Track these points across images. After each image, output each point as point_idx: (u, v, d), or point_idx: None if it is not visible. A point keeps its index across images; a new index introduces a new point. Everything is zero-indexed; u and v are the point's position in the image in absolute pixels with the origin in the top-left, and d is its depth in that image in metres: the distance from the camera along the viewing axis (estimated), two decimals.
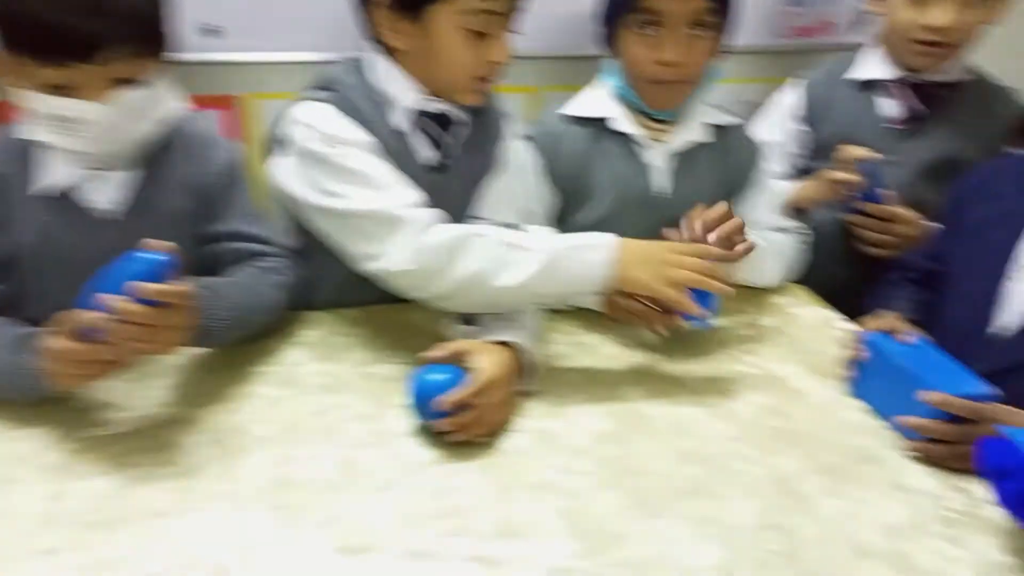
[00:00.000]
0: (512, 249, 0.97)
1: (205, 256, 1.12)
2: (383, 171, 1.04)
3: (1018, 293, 1.01)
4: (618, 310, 1.06)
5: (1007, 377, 0.96)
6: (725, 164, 1.32)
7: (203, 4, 1.39)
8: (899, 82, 1.44)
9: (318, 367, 1.06)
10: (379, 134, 1.07)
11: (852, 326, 1.15)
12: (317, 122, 1.05)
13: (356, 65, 1.11)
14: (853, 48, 1.54)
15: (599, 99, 1.30)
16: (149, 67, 0.98)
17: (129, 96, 0.96)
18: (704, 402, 1.03)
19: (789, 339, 1.19)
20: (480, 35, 1.05)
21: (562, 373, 1.07)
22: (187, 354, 1.05)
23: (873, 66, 1.47)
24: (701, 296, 0.98)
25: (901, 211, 1.34)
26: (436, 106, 1.11)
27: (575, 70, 1.55)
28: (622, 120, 1.28)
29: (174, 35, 1.02)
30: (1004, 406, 0.90)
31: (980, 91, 1.44)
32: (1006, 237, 1.04)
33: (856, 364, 1.03)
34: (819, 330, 1.22)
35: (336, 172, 1.03)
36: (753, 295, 1.32)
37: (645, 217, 1.23)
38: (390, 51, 1.09)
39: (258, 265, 1.09)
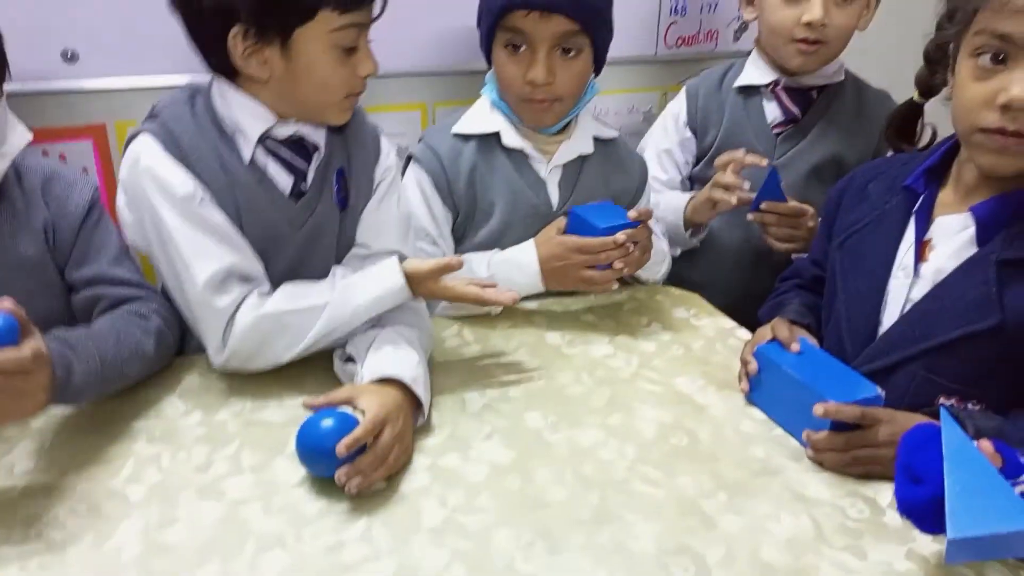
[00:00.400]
0: (298, 314, 1.01)
1: (75, 305, 1.04)
2: (191, 236, 0.98)
3: (898, 290, 1.03)
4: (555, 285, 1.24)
5: (893, 372, 0.99)
6: (610, 176, 1.33)
7: (62, 29, 1.30)
8: (778, 86, 1.47)
9: (198, 417, 0.99)
10: (219, 167, 1.00)
11: (749, 335, 1.16)
12: (142, 161, 0.98)
13: (194, 93, 1.04)
14: (742, 55, 1.56)
15: (486, 114, 1.29)
16: None
17: None
18: (605, 423, 1.01)
19: (689, 352, 1.19)
20: (349, 51, 1.01)
21: (459, 404, 1.04)
22: (54, 414, 0.97)
23: (753, 72, 1.49)
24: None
25: (805, 206, 1.36)
26: (288, 131, 1.05)
27: (466, 85, 1.53)
28: (512, 135, 1.26)
29: (6, 62, 0.95)
30: (893, 410, 0.91)
31: (856, 94, 1.48)
32: (883, 238, 1.06)
33: (753, 375, 1.03)
34: (719, 341, 1.22)
35: (152, 230, 0.99)
36: (652, 308, 1.31)
37: (537, 229, 1.26)
38: (235, 77, 1.02)
39: (127, 310, 1.02)
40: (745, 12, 1.49)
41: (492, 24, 1.19)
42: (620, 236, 1.17)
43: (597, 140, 1.32)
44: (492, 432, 0.98)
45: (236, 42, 0.96)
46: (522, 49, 1.19)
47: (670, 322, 1.28)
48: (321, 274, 1.08)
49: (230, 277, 0.99)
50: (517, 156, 1.28)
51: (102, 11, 1.30)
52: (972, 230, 0.97)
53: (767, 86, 1.47)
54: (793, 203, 1.35)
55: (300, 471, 0.89)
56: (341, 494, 0.85)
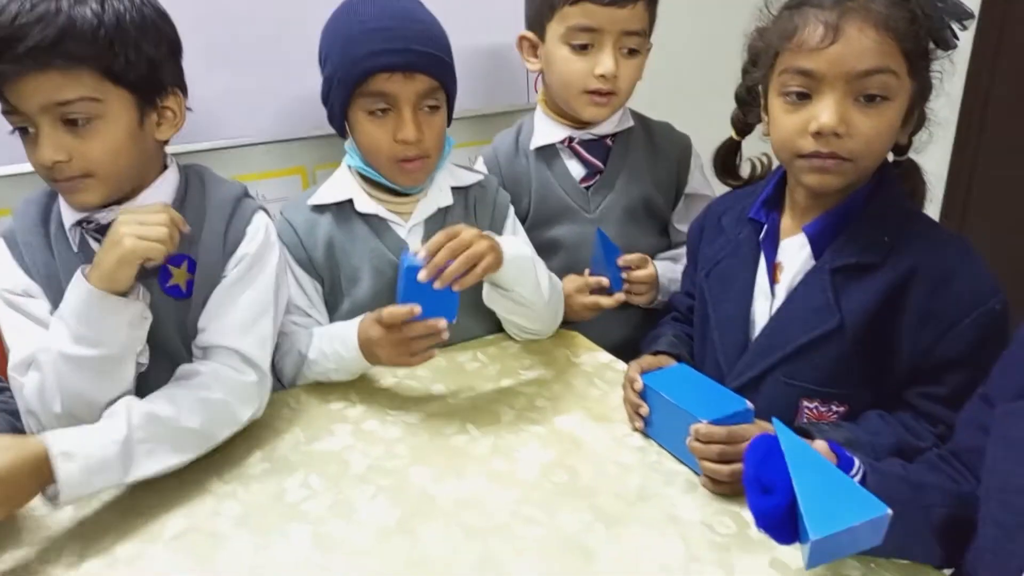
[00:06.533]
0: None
1: None
2: (11, 322, 1.05)
3: (761, 311, 1.11)
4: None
5: (761, 382, 1.07)
6: (472, 223, 1.33)
7: None
8: (573, 142, 1.47)
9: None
10: (50, 257, 1.06)
11: (625, 367, 1.21)
12: None
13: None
14: (527, 111, 1.57)
15: (342, 183, 1.30)
16: None
17: None
18: (488, 469, 1.03)
19: (570, 388, 1.23)
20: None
21: (343, 467, 1.05)
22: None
23: (545, 130, 1.48)
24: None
25: (643, 255, 1.41)
26: (110, 216, 1.03)
27: (343, 145, 1.55)
28: (365, 200, 1.28)
29: None
30: (764, 425, 0.97)
31: (646, 132, 1.51)
32: (741, 266, 1.13)
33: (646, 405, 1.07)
34: (597, 376, 1.26)
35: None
36: (534, 350, 1.35)
37: None
38: None
39: None
40: (530, 64, 1.46)
41: (349, 92, 1.19)
42: (442, 323, 1.10)
43: (455, 189, 1.33)
44: (376, 493, 0.99)
45: None
46: (387, 112, 1.21)
47: (551, 362, 1.31)
48: (170, 367, 1.07)
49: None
50: (374, 221, 1.28)
51: None
52: (808, 247, 1.05)
53: (562, 142, 1.47)
54: (632, 255, 1.39)
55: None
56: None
